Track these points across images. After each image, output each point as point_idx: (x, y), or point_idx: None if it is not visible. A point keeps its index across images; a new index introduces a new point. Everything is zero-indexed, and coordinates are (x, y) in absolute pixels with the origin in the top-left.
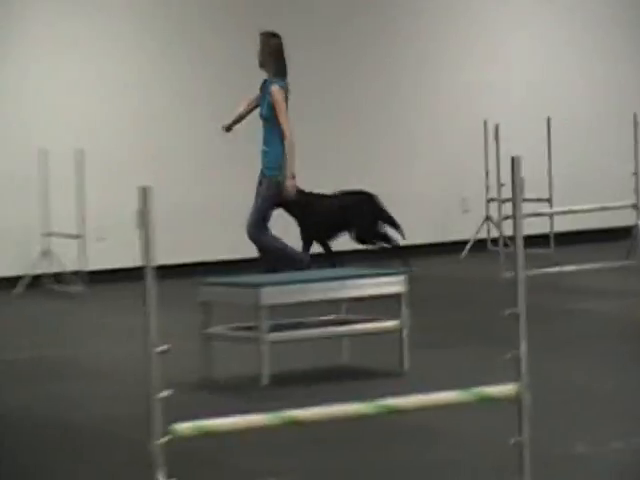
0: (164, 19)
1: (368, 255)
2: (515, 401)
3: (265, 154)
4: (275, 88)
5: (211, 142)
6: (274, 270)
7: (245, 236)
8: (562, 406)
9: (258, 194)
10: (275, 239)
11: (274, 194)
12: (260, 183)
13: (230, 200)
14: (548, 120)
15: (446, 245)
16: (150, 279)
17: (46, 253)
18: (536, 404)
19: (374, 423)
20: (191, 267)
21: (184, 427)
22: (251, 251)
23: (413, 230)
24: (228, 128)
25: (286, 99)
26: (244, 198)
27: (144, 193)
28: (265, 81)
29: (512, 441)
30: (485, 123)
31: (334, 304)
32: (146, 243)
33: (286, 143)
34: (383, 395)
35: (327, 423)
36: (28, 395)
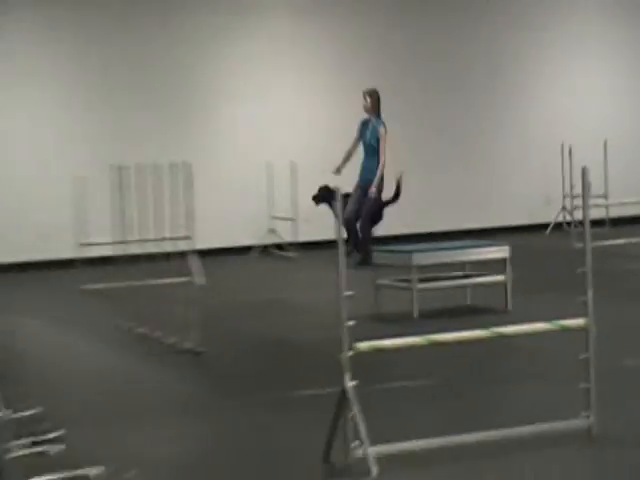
0: None
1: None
2: (584, 330)
3: (367, 171)
4: (382, 129)
5: None
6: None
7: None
8: (618, 333)
9: (366, 196)
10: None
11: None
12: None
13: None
14: (605, 142)
15: (536, 226)
16: (341, 248)
17: (271, 230)
18: (599, 332)
19: (488, 344)
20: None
21: (363, 345)
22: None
23: (514, 216)
24: (338, 170)
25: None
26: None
27: (336, 191)
28: (367, 121)
29: (581, 357)
30: (562, 144)
31: (461, 265)
32: (339, 223)
33: (381, 167)
34: (494, 325)
35: (457, 343)
36: (262, 324)
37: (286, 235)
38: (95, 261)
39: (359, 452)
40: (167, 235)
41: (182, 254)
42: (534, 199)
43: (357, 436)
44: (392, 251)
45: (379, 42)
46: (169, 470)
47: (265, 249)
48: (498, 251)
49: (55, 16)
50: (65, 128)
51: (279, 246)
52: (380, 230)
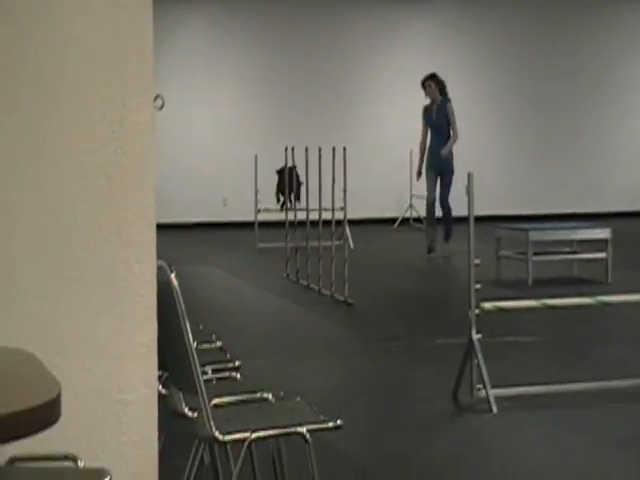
0: None
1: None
2: None
3: (437, 154)
4: (450, 105)
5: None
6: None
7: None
8: None
9: (444, 181)
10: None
11: None
12: (441, 174)
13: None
14: None
15: (637, 213)
16: (472, 223)
17: (411, 205)
18: None
19: (591, 310)
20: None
21: (487, 305)
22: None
23: (617, 202)
24: (420, 173)
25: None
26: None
27: (469, 177)
28: (428, 106)
29: None
30: None
31: (569, 242)
32: (471, 203)
33: (456, 137)
34: (597, 294)
35: (566, 308)
36: (403, 283)
37: (423, 211)
38: (269, 224)
39: (482, 393)
40: (327, 206)
41: (338, 222)
42: (636, 188)
43: (480, 380)
44: (512, 229)
45: (504, 52)
46: (322, 398)
47: (405, 221)
48: (601, 232)
49: (236, 9)
50: (248, 113)
51: (417, 219)
52: (498, 210)
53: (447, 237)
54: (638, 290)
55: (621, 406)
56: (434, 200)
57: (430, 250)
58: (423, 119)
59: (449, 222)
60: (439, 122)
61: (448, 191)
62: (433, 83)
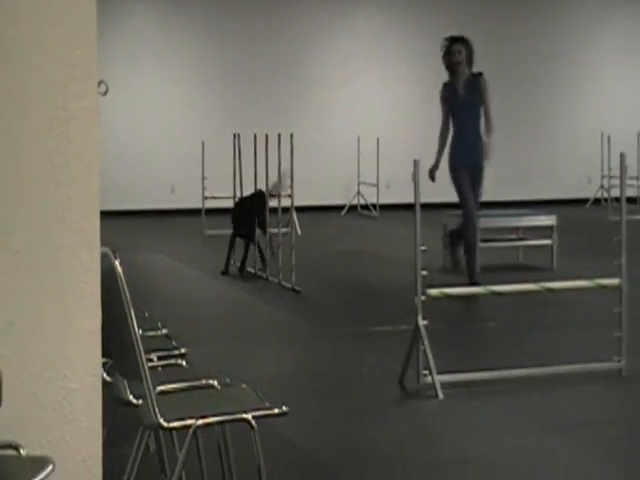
0: None
1: None
2: (618, 288)
3: (469, 146)
4: (484, 80)
5: None
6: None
7: None
8: None
9: (476, 180)
10: None
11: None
12: (473, 170)
13: None
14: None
15: (578, 200)
16: (418, 210)
17: (359, 192)
18: (631, 290)
19: (536, 296)
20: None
21: (434, 291)
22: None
23: (561, 191)
24: (434, 172)
25: None
26: None
27: (415, 164)
28: (449, 83)
29: (615, 310)
30: (602, 132)
31: (515, 230)
32: (417, 190)
33: (492, 125)
34: (542, 281)
35: (512, 294)
36: (350, 270)
37: (370, 197)
38: (217, 211)
39: (428, 379)
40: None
41: (286, 209)
42: (577, 178)
43: (427, 366)
44: (459, 216)
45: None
46: (269, 385)
47: (353, 209)
48: (546, 220)
49: (192, 10)
50: (195, 100)
51: (365, 207)
52: (445, 197)
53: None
54: (582, 276)
55: (566, 391)
56: (474, 207)
57: (456, 266)
58: (443, 100)
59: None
60: (470, 103)
61: (481, 194)
62: (464, 48)
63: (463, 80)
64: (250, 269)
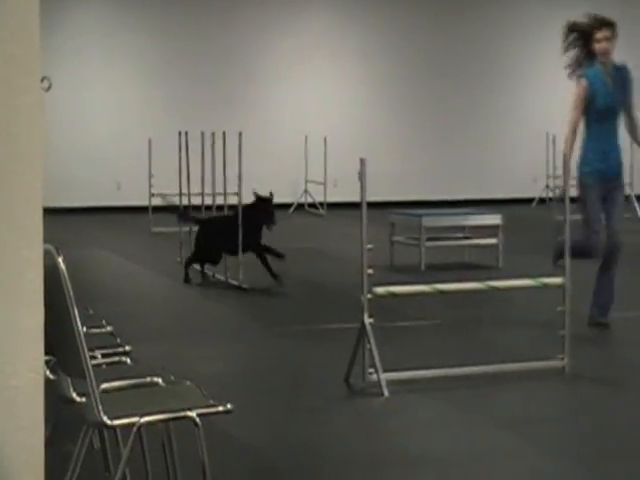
0: None
1: None
2: (561, 287)
3: (616, 153)
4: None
5: None
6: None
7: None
8: (589, 290)
9: (613, 201)
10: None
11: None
12: (610, 187)
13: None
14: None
15: (524, 200)
16: (364, 209)
17: (306, 191)
18: (574, 289)
19: (482, 294)
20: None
21: (380, 290)
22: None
23: (507, 190)
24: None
25: None
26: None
27: (362, 162)
28: (591, 76)
29: (558, 309)
30: (547, 133)
31: (461, 228)
32: (363, 189)
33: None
34: (487, 279)
35: (457, 292)
36: (298, 268)
37: (318, 196)
38: (164, 209)
39: (374, 377)
40: (221, 190)
41: (233, 206)
42: (523, 178)
43: (373, 364)
44: (406, 214)
45: (401, 37)
46: (215, 383)
47: (301, 207)
48: (492, 218)
49: (134, 6)
50: (142, 97)
51: (312, 205)
52: (396, 196)
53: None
54: (527, 275)
55: (511, 388)
56: (600, 230)
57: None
58: (581, 95)
59: (615, 260)
60: (617, 101)
61: (622, 215)
62: (611, 33)
63: (609, 71)
64: (197, 266)
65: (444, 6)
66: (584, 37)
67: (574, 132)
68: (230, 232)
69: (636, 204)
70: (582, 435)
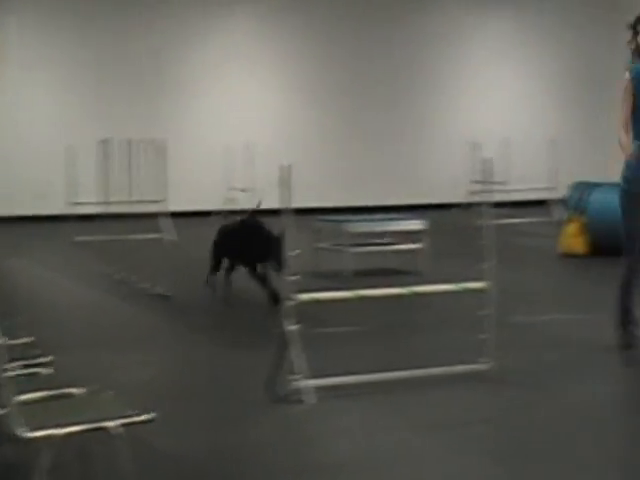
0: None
1: None
2: (483, 291)
3: None
4: None
5: None
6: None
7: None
8: (510, 294)
9: None
10: None
11: None
12: None
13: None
14: (507, 138)
15: (448, 205)
16: (288, 216)
17: (229, 198)
18: (495, 293)
19: (407, 299)
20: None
21: (304, 296)
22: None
23: (431, 195)
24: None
25: None
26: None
27: (283, 169)
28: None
29: (480, 313)
30: (471, 140)
31: (386, 234)
32: (286, 195)
33: None
34: (412, 285)
35: (382, 298)
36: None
37: (242, 204)
38: (86, 218)
39: (298, 383)
40: (144, 198)
41: (156, 215)
42: (446, 182)
43: (297, 370)
44: (330, 220)
45: (324, 45)
46: (138, 392)
47: (224, 214)
48: (416, 224)
49: (54, 11)
50: (62, 106)
51: (235, 212)
52: (320, 202)
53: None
54: (450, 280)
55: (435, 392)
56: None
57: (627, 345)
58: (627, 88)
59: None
60: None
61: None
62: None
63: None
64: (120, 274)
65: (368, 14)
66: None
67: (624, 127)
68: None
69: (557, 208)
70: (503, 437)
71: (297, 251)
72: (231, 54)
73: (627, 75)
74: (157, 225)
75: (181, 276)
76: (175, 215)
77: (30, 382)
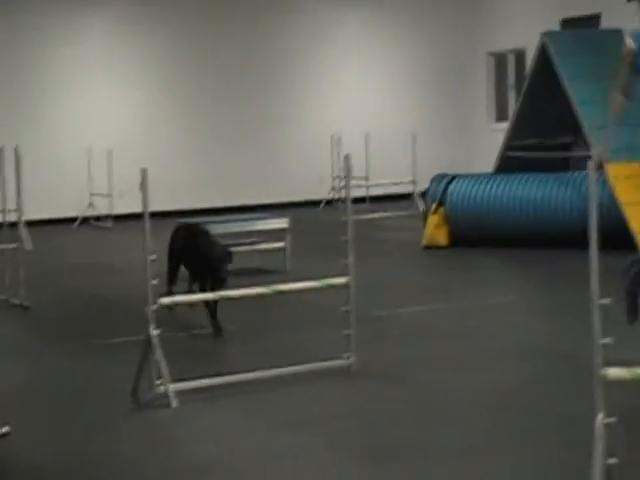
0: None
1: None
2: (345, 286)
3: None
4: None
5: None
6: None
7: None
8: (372, 289)
9: None
10: None
11: None
12: None
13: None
14: (368, 134)
15: (311, 202)
16: (147, 220)
17: (91, 204)
18: (358, 288)
19: (271, 298)
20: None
21: (166, 300)
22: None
23: (294, 193)
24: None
25: None
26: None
27: (143, 172)
28: None
29: (343, 308)
30: (332, 135)
31: (249, 234)
32: (145, 199)
33: None
34: (276, 283)
35: (246, 298)
36: (82, 283)
37: (103, 209)
38: None
39: (162, 388)
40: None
41: (13, 224)
42: (310, 179)
43: (160, 375)
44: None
45: (183, 44)
46: None
47: (85, 221)
48: (279, 222)
49: None
50: None
51: (98, 218)
52: (183, 204)
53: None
54: (314, 277)
55: (300, 390)
56: None
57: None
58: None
59: None
60: None
61: None
62: None
63: None
64: None
65: (228, 10)
66: None
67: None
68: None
69: (419, 200)
70: (365, 432)
71: (154, 255)
72: (88, 55)
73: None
74: (15, 234)
75: (41, 286)
76: (34, 223)
77: None
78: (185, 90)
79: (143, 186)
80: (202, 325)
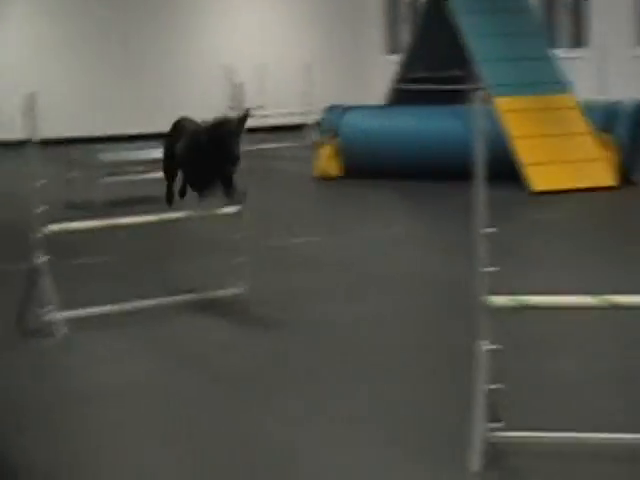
0: None
1: None
2: (237, 216)
3: None
4: None
5: None
6: None
7: None
8: (264, 219)
9: None
10: None
11: None
12: None
13: None
14: (262, 64)
15: None
16: (35, 146)
17: None
18: (250, 218)
19: (161, 228)
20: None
21: (55, 227)
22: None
23: None
24: None
25: None
26: None
27: (29, 97)
28: None
29: (236, 237)
30: (225, 65)
31: (140, 163)
32: (32, 125)
33: None
34: (163, 212)
35: (132, 227)
36: None
37: None
38: None
39: (49, 316)
40: None
41: None
42: (201, 110)
43: (48, 303)
44: (82, 150)
45: None
46: None
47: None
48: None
49: None
50: None
51: None
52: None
53: None
54: (204, 206)
55: (191, 319)
56: None
57: None
58: None
59: None
60: None
61: None
62: None
63: None
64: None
65: None
66: None
67: None
68: None
69: (312, 131)
70: (253, 360)
71: (43, 181)
72: None
73: None
74: None
75: None
76: None
77: None
78: (73, 14)
79: (30, 112)
80: (91, 253)
